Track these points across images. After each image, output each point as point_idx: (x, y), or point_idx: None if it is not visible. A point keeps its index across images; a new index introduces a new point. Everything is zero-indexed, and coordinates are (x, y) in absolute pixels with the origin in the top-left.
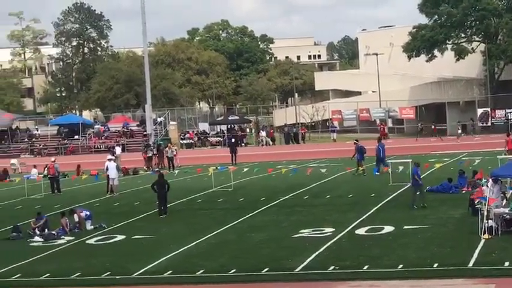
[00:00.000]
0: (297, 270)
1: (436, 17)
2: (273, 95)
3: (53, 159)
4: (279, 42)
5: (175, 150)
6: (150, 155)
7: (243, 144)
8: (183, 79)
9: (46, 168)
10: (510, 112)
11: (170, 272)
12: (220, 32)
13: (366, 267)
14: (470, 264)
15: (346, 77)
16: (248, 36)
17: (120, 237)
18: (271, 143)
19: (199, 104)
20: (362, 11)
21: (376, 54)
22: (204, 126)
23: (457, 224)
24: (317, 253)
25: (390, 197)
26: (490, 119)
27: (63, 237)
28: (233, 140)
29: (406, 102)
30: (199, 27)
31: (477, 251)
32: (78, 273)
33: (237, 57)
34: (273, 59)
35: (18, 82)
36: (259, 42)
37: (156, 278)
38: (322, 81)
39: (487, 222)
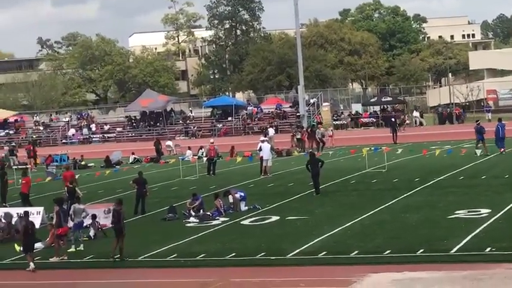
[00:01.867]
0: (452, 251)
1: None
2: (426, 75)
3: (211, 140)
4: (432, 21)
5: (332, 131)
6: (299, 136)
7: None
8: (336, 60)
9: (204, 150)
10: None
11: (325, 252)
12: (373, 12)
13: None
14: None
15: (501, 56)
16: (401, 16)
17: (274, 218)
18: (424, 123)
19: (351, 85)
20: None
21: None
22: (357, 107)
23: None
24: (473, 234)
25: None
26: None
27: (218, 218)
28: (393, 120)
29: None
30: (350, 8)
31: None
32: (233, 254)
33: (390, 37)
34: (426, 38)
35: (172, 65)
36: (412, 22)
37: (311, 259)
38: (477, 60)
39: None
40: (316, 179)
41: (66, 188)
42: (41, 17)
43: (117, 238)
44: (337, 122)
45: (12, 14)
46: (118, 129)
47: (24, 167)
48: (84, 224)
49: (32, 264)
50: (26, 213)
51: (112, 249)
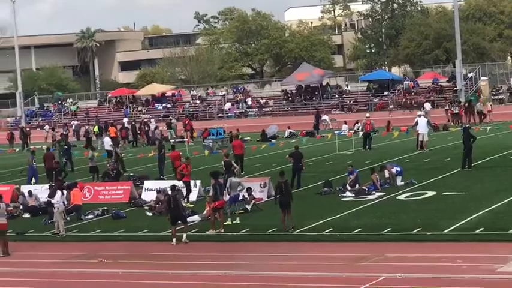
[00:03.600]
0: None
1: None
2: None
3: (367, 115)
4: None
5: (491, 106)
6: (457, 111)
7: None
8: (494, 33)
9: (361, 124)
10: None
11: (482, 229)
12: None
13: None
14: None
15: None
16: None
17: (430, 193)
18: None
19: (511, 59)
20: None
21: None
22: None
23: None
24: None
25: None
26: None
27: (373, 192)
28: None
29: None
30: None
31: None
32: (388, 229)
33: None
34: None
35: (328, 39)
36: None
37: (468, 235)
38: None
39: None
40: (468, 153)
41: (223, 162)
42: None
43: (283, 210)
44: (495, 97)
45: None
46: (273, 103)
47: (181, 140)
48: (240, 198)
49: (175, 240)
50: (173, 187)
51: (282, 222)
